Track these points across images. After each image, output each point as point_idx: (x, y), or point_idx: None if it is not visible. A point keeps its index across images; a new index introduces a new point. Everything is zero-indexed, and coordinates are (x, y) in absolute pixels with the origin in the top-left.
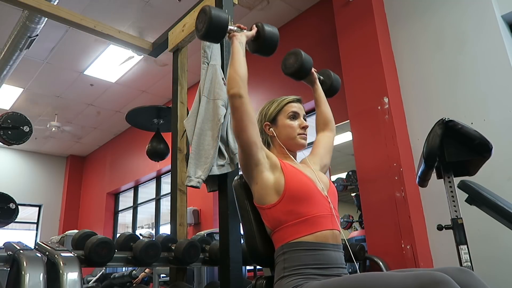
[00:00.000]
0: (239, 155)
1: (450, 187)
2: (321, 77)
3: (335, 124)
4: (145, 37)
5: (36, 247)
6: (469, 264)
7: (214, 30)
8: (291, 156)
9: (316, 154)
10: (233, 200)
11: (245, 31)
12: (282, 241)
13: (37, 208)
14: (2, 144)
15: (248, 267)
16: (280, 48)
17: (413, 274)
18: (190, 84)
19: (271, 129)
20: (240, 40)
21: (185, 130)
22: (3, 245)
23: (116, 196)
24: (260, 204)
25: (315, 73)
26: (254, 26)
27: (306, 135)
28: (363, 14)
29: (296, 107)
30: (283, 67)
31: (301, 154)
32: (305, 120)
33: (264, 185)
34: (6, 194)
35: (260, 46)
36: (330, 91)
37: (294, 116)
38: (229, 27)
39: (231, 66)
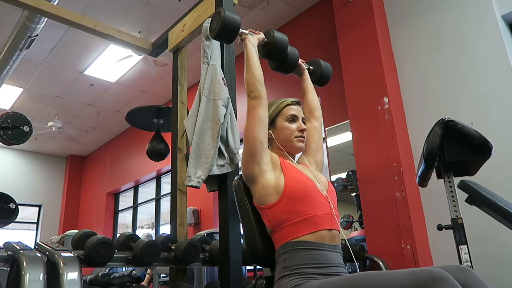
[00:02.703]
0: (243, 153)
1: (450, 187)
2: (311, 67)
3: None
4: (145, 37)
5: (36, 247)
6: (469, 264)
7: (226, 30)
8: (290, 158)
9: (308, 151)
10: (233, 200)
11: (256, 35)
12: (282, 241)
13: (37, 208)
14: (2, 144)
15: (248, 267)
16: None
17: (412, 271)
18: (190, 84)
19: (269, 131)
20: (253, 42)
21: (185, 130)
22: (3, 245)
23: (116, 196)
24: (260, 204)
25: (302, 64)
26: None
27: (304, 138)
28: (363, 14)
29: (295, 109)
30: (269, 62)
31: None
32: (303, 123)
33: (265, 185)
34: (6, 194)
35: (269, 51)
36: (321, 80)
37: (293, 119)
38: (241, 30)
39: (248, 70)
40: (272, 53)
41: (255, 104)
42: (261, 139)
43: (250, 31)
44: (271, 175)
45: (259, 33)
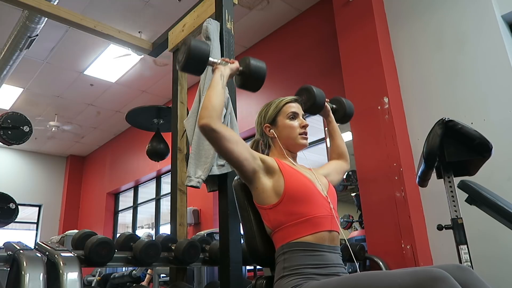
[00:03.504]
0: (235, 171)
1: (450, 187)
2: (334, 106)
3: (348, 155)
4: (145, 37)
5: (36, 247)
6: (469, 264)
7: (193, 62)
8: (292, 157)
9: (326, 169)
10: (233, 200)
11: (230, 64)
12: (282, 241)
13: (37, 208)
14: (2, 144)
15: (248, 267)
16: (281, 48)
17: (411, 271)
18: (190, 84)
19: (271, 130)
20: (223, 73)
21: (185, 130)
22: (3, 245)
23: (116, 196)
24: (261, 204)
25: (328, 105)
26: (234, 60)
27: (307, 134)
28: (363, 14)
29: (294, 107)
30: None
31: (301, 154)
32: (304, 119)
33: (264, 188)
34: (6, 194)
35: (245, 81)
36: (344, 119)
37: (294, 116)
38: (211, 59)
39: (206, 96)
40: (248, 83)
41: (211, 136)
42: (244, 157)
43: (223, 60)
44: (266, 180)
45: (233, 62)
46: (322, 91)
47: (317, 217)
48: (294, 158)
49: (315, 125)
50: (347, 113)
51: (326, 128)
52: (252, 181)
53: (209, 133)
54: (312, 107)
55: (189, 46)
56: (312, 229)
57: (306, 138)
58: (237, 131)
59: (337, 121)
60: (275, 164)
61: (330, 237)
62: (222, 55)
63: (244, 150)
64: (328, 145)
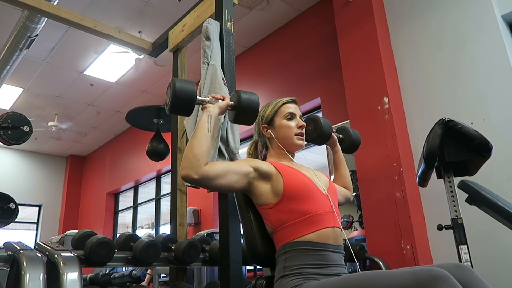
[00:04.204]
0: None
1: (450, 187)
2: (340, 136)
3: (335, 124)
4: (145, 37)
5: (36, 247)
6: (469, 263)
7: (180, 104)
8: (290, 157)
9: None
10: (233, 200)
11: (220, 101)
12: (283, 241)
13: (37, 208)
14: (2, 144)
15: (248, 267)
16: (282, 48)
17: (411, 270)
18: None
19: (268, 130)
20: (211, 113)
21: (185, 130)
22: (3, 245)
23: (116, 196)
24: (261, 204)
25: (335, 135)
26: (225, 95)
27: (303, 135)
28: (363, 14)
29: (292, 107)
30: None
31: (300, 155)
32: (301, 119)
33: (262, 192)
34: (6, 194)
35: (237, 116)
36: (350, 149)
37: (291, 116)
38: (200, 98)
39: (189, 143)
40: (241, 118)
41: (198, 184)
42: (234, 182)
43: (212, 97)
44: (263, 185)
45: (223, 98)
46: (329, 121)
47: (318, 214)
48: (293, 157)
49: None
50: (354, 143)
51: (329, 158)
52: (249, 190)
53: (192, 183)
54: (319, 138)
55: (174, 88)
56: (314, 226)
57: (303, 139)
58: (237, 131)
59: (343, 151)
60: (271, 168)
61: (334, 235)
62: (222, 55)
63: (232, 177)
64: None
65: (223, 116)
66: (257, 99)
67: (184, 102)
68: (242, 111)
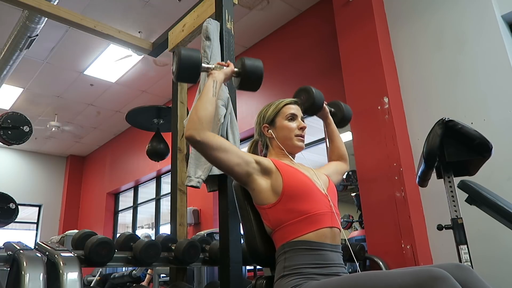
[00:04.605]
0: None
1: (450, 187)
2: (332, 109)
3: (348, 156)
4: (145, 37)
5: (36, 247)
6: (469, 264)
7: (186, 71)
8: (290, 157)
9: (325, 169)
10: (233, 200)
11: (224, 68)
12: (282, 240)
13: (37, 208)
14: (2, 144)
15: (248, 267)
16: (281, 49)
17: (411, 271)
18: (190, 84)
19: (269, 130)
20: (216, 78)
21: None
22: (3, 245)
23: (116, 196)
24: (260, 204)
25: (326, 107)
26: (230, 62)
27: (303, 137)
28: (363, 14)
29: (294, 108)
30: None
31: (300, 155)
32: (303, 121)
33: (261, 189)
34: (6, 194)
35: (242, 82)
36: (341, 122)
37: (292, 117)
38: (204, 65)
39: (194, 107)
40: (246, 84)
41: (198, 148)
42: (234, 163)
43: (218, 64)
44: (263, 181)
45: (228, 64)
46: (321, 92)
47: (317, 214)
48: (293, 158)
49: (315, 125)
50: (345, 116)
51: (325, 130)
52: (248, 183)
53: (194, 145)
54: (310, 108)
55: (180, 56)
56: (313, 226)
57: (303, 141)
58: (237, 131)
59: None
60: (272, 165)
61: (332, 234)
62: (222, 55)
63: (233, 157)
64: (328, 146)
65: (223, 116)
66: (261, 65)
67: (190, 69)
68: (246, 77)
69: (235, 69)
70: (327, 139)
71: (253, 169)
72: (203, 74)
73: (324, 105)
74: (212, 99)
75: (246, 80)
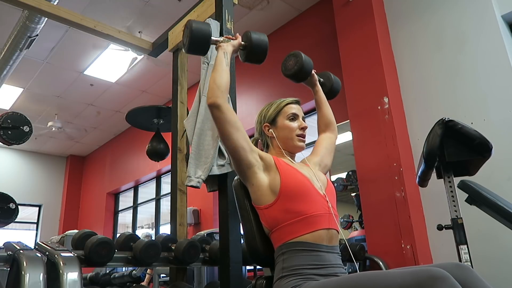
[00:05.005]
0: (231, 159)
1: (450, 187)
2: (321, 79)
3: (336, 123)
4: (145, 37)
5: (36, 247)
6: (469, 263)
7: (197, 43)
8: (290, 156)
9: (317, 154)
10: (233, 200)
11: (232, 41)
12: (280, 241)
13: (37, 208)
14: (2, 144)
15: (248, 267)
16: (281, 49)
17: (411, 271)
18: (190, 84)
19: (270, 130)
20: (225, 50)
21: (185, 130)
22: (3, 245)
23: (116, 196)
24: (257, 204)
25: (315, 75)
26: (238, 35)
27: (304, 137)
28: (363, 14)
29: (295, 108)
30: (283, 69)
31: (300, 155)
32: (304, 121)
33: (260, 185)
34: (6, 194)
35: (248, 55)
36: (330, 93)
37: (294, 117)
38: (213, 38)
39: (211, 76)
40: (252, 56)
41: (217, 114)
42: (240, 145)
43: (226, 37)
44: (263, 176)
45: (236, 38)
46: (310, 59)
47: (314, 216)
48: (292, 157)
49: (316, 125)
50: (334, 87)
51: (313, 99)
52: (248, 176)
53: (215, 110)
54: (299, 73)
55: (191, 28)
56: (309, 227)
57: (304, 141)
58: None
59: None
60: (272, 161)
61: (328, 236)
62: None
63: (242, 138)
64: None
65: None
66: (266, 39)
67: (201, 41)
68: (252, 50)
69: (242, 42)
70: (316, 108)
71: (255, 160)
72: (203, 73)
73: (313, 72)
74: (226, 68)
75: (252, 53)
